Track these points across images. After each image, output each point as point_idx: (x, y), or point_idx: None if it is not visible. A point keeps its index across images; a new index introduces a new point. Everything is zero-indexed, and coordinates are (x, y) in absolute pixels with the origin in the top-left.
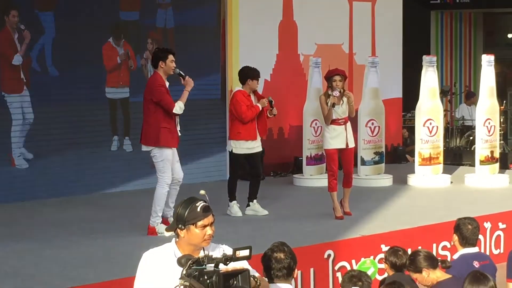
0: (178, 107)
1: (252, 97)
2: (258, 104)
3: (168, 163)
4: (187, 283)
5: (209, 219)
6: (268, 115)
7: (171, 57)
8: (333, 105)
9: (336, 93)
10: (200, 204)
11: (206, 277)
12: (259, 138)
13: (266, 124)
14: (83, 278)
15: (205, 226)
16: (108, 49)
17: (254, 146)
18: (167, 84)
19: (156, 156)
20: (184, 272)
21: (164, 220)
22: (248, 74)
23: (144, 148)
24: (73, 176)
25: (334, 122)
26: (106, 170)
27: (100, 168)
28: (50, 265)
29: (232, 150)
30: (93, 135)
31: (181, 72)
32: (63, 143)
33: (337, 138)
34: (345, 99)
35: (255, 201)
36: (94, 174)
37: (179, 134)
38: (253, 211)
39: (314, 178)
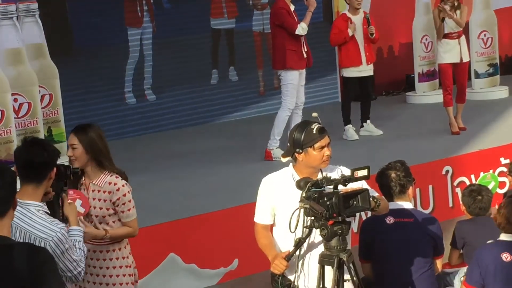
0: (301, 28)
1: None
2: (349, 30)
3: (293, 88)
4: (307, 206)
5: (325, 140)
6: (369, 36)
7: None
8: (443, 19)
9: (447, 7)
10: (315, 126)
11: (325, 199)
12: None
13: (370, 50)
14: (204, 207)
15: (322, 147)
16: None
17: (362, 69)
18: (292, 7)
19: (282, 79)
20: (304, 194)
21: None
22: None
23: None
24: (184, 108)
25: (447, 36)
26: (213, 101)
27: (208, 99)
28: (171, 195)
29: (343, 75)
30: (199, 67)
31: None
32: (173, 75)
33: (450, 52)
34: (458, 12)
35: (368, 121)
36: (203, 105)
37: (305, 56)
38: (367, 132)
39: (427, 94)
